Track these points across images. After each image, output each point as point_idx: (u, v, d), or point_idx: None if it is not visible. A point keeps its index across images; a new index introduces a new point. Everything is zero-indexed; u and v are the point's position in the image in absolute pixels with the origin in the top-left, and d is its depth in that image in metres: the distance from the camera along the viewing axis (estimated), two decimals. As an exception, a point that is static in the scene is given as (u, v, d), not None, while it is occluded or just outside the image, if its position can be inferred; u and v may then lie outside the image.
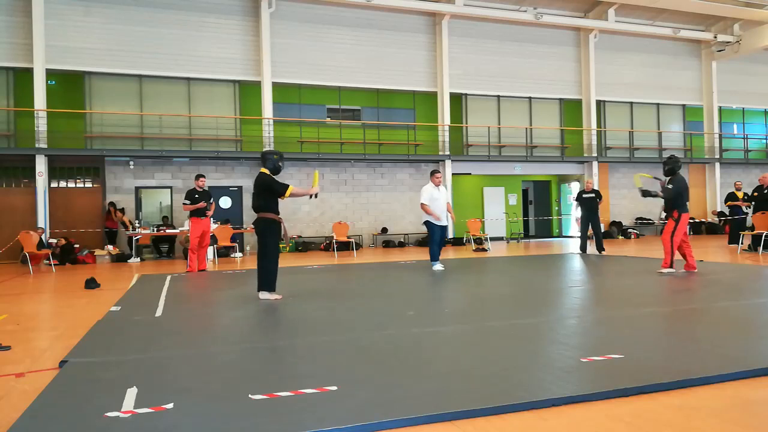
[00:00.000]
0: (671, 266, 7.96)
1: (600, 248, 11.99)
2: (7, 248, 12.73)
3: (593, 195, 12.24)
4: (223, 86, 16.48)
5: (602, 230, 12.95)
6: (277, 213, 6.41)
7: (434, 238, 9.58)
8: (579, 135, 19.85)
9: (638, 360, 3.43)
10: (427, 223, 9.60)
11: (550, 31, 19.45)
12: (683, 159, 21.21)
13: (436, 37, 18.10)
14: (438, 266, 9.42)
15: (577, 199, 12.52)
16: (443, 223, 9.58)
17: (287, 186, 6.32)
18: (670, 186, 8.00)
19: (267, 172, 6.40)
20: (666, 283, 7.08)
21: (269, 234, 6.31)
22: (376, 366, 3.49)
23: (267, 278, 6.34)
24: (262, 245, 6.37)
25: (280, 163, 6.47)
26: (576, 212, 12.64)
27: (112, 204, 14.91)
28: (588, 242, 12.30)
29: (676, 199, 7.94)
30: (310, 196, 6.64)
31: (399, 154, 17.72)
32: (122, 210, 14.96)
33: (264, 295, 6.34)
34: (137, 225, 14.63)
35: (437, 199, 9.43)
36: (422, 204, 9.44)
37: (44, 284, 9.28)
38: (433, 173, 9.64)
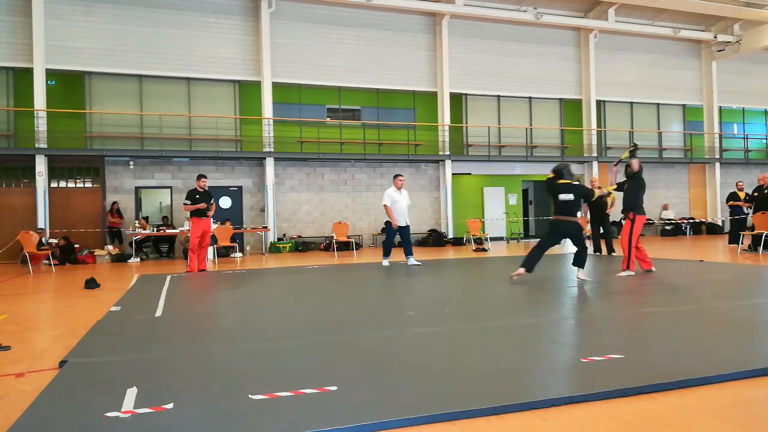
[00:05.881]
0: (629, 268, 7.79)
1: (610, 250, 11.48)
2: (7, 248, 12.73)
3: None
4: (223, 86, 16.48)
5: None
6: None
7: (389, 238, 10.63)
8: (579, 135, 19.85)
9: (638, 360, 3.43)
10: (386, 224, 10.44)
11: (550, 31, 19.45)
12: (683, 159, 21.25)
13: (436, 37, 18.10)
14: (385, 262, 10.37)
15: None
16: (402, 224, 10.32)
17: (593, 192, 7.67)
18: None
19: (570, 181, 7.41)
20: (666, 283, 7.07)
21: (581, 232, 7.48)
22: (376, 366, 3.49)
23: (584, 260, 7.40)
24: (579, 241, 7.37)
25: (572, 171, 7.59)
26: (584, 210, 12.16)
27: (115, 203, 15.01)
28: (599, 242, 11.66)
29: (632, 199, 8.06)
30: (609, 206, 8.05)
31: (399, 154, 17.72)
32: (119, 211, 15.00)
33: (582, 275, 7.42)
34: (137, 224, 14.61)
35: (398, 202, 10.28)
36: (384, 206, 10.31)
37: (44, 284, 9.28)
38: (395, 177, 10.52)
